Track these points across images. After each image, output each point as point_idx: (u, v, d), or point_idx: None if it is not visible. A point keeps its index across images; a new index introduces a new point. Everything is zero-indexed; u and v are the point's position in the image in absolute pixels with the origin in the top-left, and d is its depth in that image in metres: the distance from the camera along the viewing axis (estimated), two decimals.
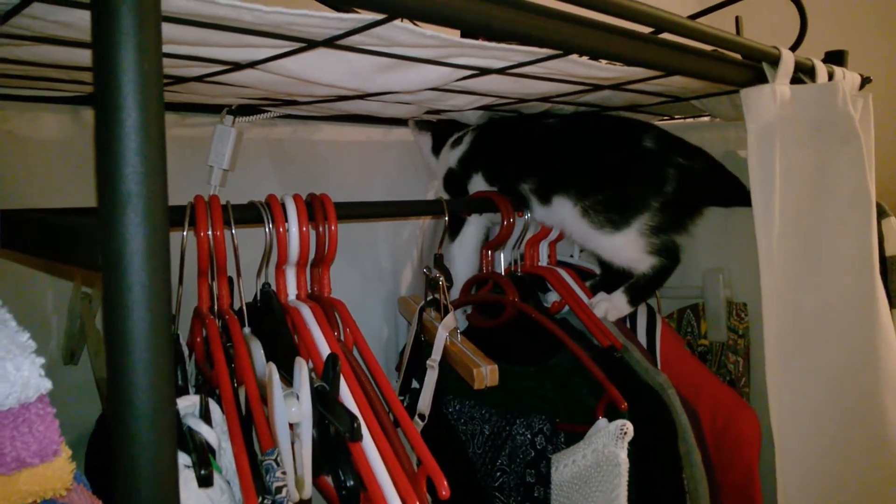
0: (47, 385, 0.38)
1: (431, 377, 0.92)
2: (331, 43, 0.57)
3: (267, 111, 1.05)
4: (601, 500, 0.76)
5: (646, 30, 0.68)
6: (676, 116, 1.27)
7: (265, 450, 0.61)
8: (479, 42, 0.61)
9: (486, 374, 0.86)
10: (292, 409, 0.62)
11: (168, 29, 0.49)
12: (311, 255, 0.84)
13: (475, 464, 0.93)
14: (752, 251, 0.85)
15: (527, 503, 0.88)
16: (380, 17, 0.51)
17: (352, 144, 1.25)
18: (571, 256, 1.22)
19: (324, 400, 0.65)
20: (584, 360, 0.89)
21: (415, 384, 0.99)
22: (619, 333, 1.01)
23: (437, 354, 0.92)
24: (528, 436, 0.88)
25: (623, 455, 0.76)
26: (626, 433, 0.77)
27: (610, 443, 0.77)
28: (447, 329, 0.93)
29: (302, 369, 0.64)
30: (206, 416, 0.62)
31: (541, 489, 0.85)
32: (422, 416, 0.91)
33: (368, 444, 0.64)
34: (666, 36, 0.69)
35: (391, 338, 1.26)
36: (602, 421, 0.81)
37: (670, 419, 0.87)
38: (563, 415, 0.89)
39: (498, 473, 0.88)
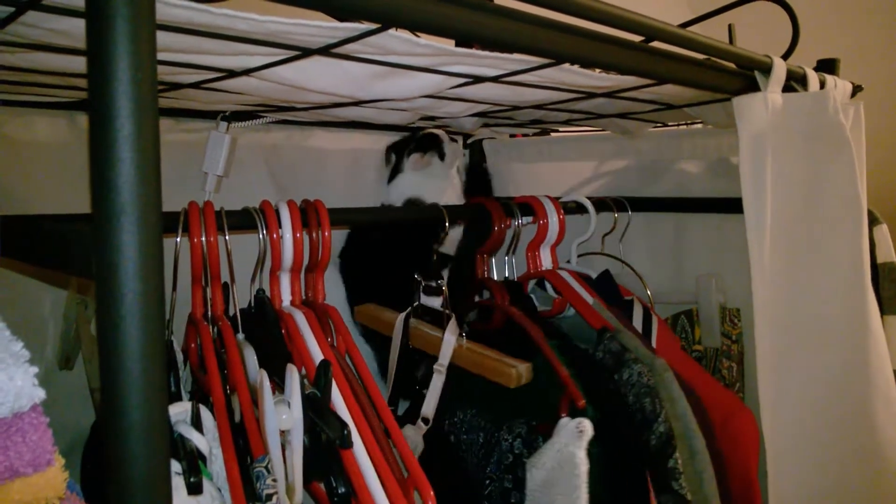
0: (41, 394, 0.38)
1: (438, 382, 0.92)
2: (325, 51, 0.57)
3: (262, 116, 1.05)
4: (564, 503, 0.74)
5: (638, 39, 0.68)
6: (670, 123, 1.28)
7: (256, 457, 0.61)
8: (473, 51, 0.61)
9: (523, 371, 0.86)
10: (283, 416, 0.62)
11: (163, 37, 0.50)
12: (305, 261, 0.84)
13: (471, 473, 0.92)
14: (745, 257, 0.85)
15: None
16: (374, 26, 0.51)
17: (347, 150, 1.25)
18: (568, 262, 1.22)
19: (315, 407, 0.65)
20: (552, 358, 0.88)
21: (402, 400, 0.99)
22: (617, 323, 1.00)
23: (444, 359, 0.92)
24: (509, 440, 0.87)
25: (581, 454, 0.74)
26: (582, 431, 0.75)
27: (570, 442, 0.75)
28: (454, 334, 0.93)
29: (293, 376, 0.64)
30: (196, 422, 0.62)
31: (517, 494, 0.84)
32: (426, 420, 0.92)
33: (360, 450, 0.64)
34: (658, 45, 0.70)
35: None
36: (564, 419, 0.79)
37: (630, 414, 0.86)
38: (541, 416, 0.88)
39: (487, 481, 0.88)
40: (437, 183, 1.24)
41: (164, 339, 0.36)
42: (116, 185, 0.34)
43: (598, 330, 0.99)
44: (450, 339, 0.93)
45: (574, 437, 0.75)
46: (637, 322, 1.09)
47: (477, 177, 1.49)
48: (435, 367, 0.93)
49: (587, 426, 0.75)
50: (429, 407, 0.92)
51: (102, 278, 0.35)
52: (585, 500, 0.73)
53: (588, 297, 1.06)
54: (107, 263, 0.34)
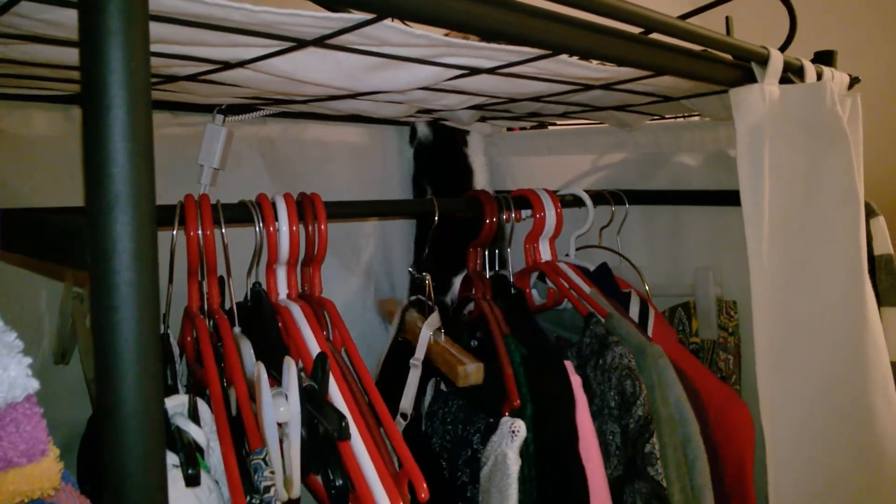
0: (34, 385, 0.38)
1: (414, 376, 0.91)
2: (320, 42, 0.57)
3: (258, 109, 1.05)
4: (497, 501, 0.74)
5: (636, 30, 0.68)
6: (667, 116, 1.28)
7: (254, 449, 0.61)
8: (469, 41, 0.61)
9: (471, 371, 0.85)
10: (280, 409, 0.62)
11: (156, 28, 0.49)
12: (302, 255, 0.84)
13: (450, 465, 0.92)
14: (744, 249, 0.85)
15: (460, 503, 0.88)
16: (369, 16, 0.51)
17: (343, 143, 1.25)
18: (567, 255, 1.22)
19: (313, 399, 0.65)
20: (501, 355, 0.87)
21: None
22: (613, 310, 1.00)
23: (420, 353, 0.92)
24: (471, 434, 0.87)
25: (512, 455, 0.74)
26: (514, 432, 0.75)
27: (503, 441, 0.75)
28: (431, 328, 0.93)
29: (290, 368, 0.64)
30: (194, 415, 0.62)
31: (472, 488, 0.84)
32: (404, 416, 0.91)
33: (357, 443, 0.64)
34: (656, 36, 0.70)
35: (381, 337, 1.26)
36: (504, 418, 0.79)
37: (572, 421, 0.84)
38: (496, 409, 0.87)
39: (458, 473, 0.88)
40: None
41: (158, 330, 0.36)
42: (110, 175, 0.34)
43: (584, 316, 0.99)
44: (426, 334, 0.92)
45: (507, 438, 0.75)
46: (634, 314, 1.09)
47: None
48: (411, 361, 0.92)
49: (520, 427, 0.76)
50: (406, 402, 0.91)
51: (96, 269, 0.34)
52: (515, 499, 0.73)
53: (585, 287, 1.06)
54: (101, 254, 0.34)
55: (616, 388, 0.88)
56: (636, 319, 1.07)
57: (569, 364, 0.87)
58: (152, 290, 0.35)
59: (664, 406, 0.86)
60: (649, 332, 1.06)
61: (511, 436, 0.75)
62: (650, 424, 0.84)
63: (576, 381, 0.85)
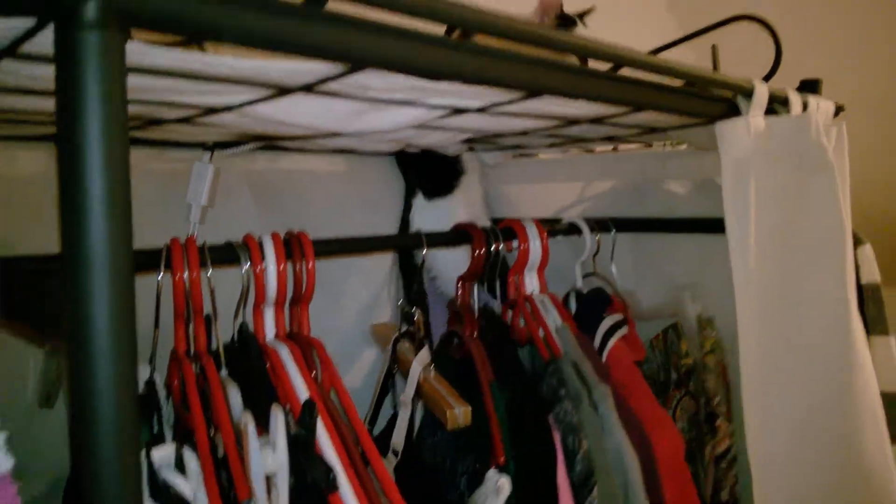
0: (8, 465, 0.38)
1: (404, 414, 0.91)
2: (308, 89, 0.57)
3: (246, 143, 1.04)
4: None
5: (610, 66, 0.68)
6: (655, 144, 1.28)
7: (241, 499, 0.60)
8: (451, 84, 0.61)
9: (460, 415, 0.84)
10: (268, 459, 0.61)
11: (134, 79, 0.49)
12: (290, 294, 0.83)
13: (441, 496, 0.92)
14: (727, 269, 0.85)
15: None
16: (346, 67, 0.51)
17: (332, 174, 1.25)
18: (575, 283, 1.22)
19: (300, 448, 0.64)
20: (487, 406, 0.89)
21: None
22: (575, 347, 1.00)
23: (410, 390, 0.91)
24: (459, 475, 0.88)
25: None
26: (500, 489, 0.78)
27: (489, 498, 0.78)
28: (421, 364, 0.92)
29: (277, 418, 0.64)
30: (180, 464, 0.61)
31: None
32: (395, 453, 0.91)
33: (346, 492, 0.63)
34: (641, 74, 0.70)
35: (372, 375, 1.25)
36: (491, 472, 0.81)
37: (552, 481, 0.86)
38: (484, 458, 0.88)
39: None
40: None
41: (136, 388, 0.36)
42: (87, 232, 0.34)
43: (546, 362, 1.00)
44: (416, 369, 0.92)
45: (492, 495, 0.78)
46: (599, 336, 1.08)
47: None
48: (401, 398, 0.92)
49: (505, 485, 0.78)
50: (397, 439, 0.92)
51: (72, 327, 0.34)
52: None
53: (554, 324, 1.05)
54: (77, 312, 0.34)
55: (562, 442, 0.91)
56: (601, 337, 1.07)
57: (551, 418, 0.90)
58: (130, 348, 0.35)
59: (600, 455, 0.89)
60: (604, 356, 1.06)
61: (496, 492, 0.77)
62: (591, 478, 0.88)
63: (556, 437, 0.88)
